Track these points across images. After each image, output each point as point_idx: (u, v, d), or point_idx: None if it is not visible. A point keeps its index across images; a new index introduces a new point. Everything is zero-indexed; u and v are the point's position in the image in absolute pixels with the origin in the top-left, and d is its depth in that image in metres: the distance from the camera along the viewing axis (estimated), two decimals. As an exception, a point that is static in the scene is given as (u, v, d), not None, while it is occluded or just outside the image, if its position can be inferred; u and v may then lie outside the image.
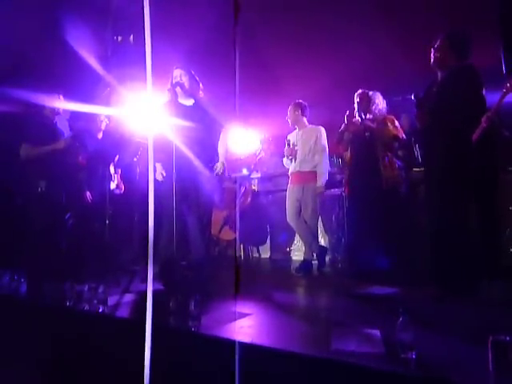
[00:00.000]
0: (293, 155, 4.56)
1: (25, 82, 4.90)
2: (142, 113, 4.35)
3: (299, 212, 4.52)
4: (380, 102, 4.09)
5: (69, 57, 5.63)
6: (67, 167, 4.18)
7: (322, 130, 4.56)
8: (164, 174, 3.43)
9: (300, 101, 4.68)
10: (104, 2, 6.00)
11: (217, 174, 3.63)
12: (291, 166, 4.65)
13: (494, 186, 2.90)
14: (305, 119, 4.66)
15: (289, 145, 4.60)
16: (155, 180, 3.47)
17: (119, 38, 6.28)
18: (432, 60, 3.11)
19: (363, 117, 4.01)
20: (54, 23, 5.40)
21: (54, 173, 4.05)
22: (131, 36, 6.23)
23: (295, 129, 4.71)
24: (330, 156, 5.18)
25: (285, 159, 4.72)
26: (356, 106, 4.13)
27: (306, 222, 4.45)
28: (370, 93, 4.11)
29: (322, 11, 5.17)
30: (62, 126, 4.28)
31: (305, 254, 4.56)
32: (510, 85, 3.17)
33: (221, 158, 3.68)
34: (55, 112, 4.19)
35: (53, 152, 3.97)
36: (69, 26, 5.69)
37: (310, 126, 4.65)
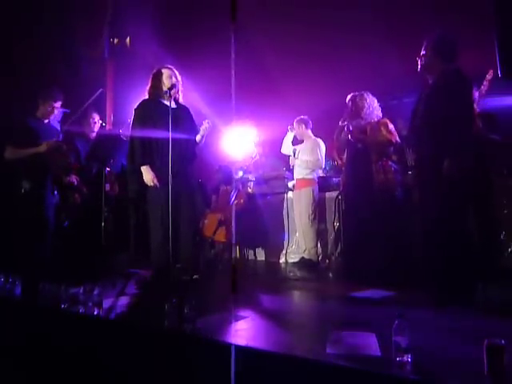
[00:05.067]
0: (295, 164, 5.12)
1: (16, 82, 4.88)
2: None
3: (300, 214, 4.99)
4: (371, 104, 4.03)
5: (64, 58, 5.62)
6: (56, 169, 4.12)
7: (321, 142, 5.07)
8: (155, 180, 3.42)
9: (303, 117, 5.16)
10: (101, 3, 6.00)
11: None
12: (295, 173, 5.16)
13: (487, 189, 2.92)
14: (309, 132, 5.16)
15: (294, 154, 5.11)
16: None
17: (116, 41, 6.28)
18: (419, 67, 3.13)
19: (351, 129, 3.97)
20: (48, 23, 5.40)
21: (43, 174, 3.99)
22: (128, 38, 6.23)
23: (303, 140, 5.19)
24: (327, 159, 5.25)
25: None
26: (347, 112, 4.10)
27: (307, 225, 4.90)
28: (358, 98, 4.05)
29: (317, 16, 5.20)
30: (53, 128, 4.19)
31: (305, 253, 4.90)
32: (489, 76, 3.22)
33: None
34: (46, 113, 4.12)
35: (36, 155, 3.90)
36: (65, 27, 5.68)
37: (314, 138, 5.12)
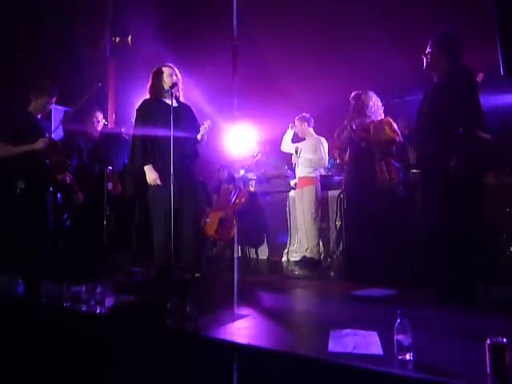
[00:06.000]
0: (297, 162, 5.09)
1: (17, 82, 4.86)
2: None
3: (303, 213, 5.00)
4: (375, 103, 4.02)
5: (66, 57, 5.63)
6: (52, 167, 3.93)
7: (324, 141, 5.06)
8: (158, 181, 3.43)
9: (304, 114, 5.14)
10: (103, 3, 6.01)
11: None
12: (297, 172, 5.15)
13: (479, 188, 2.91)
14: (311, 130, 5.15)
15: (296, 152, 5.06)
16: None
17: (117, 39, 6.29)
18: (424, 65, 3.11)
19: (354, 127, 3.97)
20: (49, 23, 5.40)
21: (38, 172, 3.83)
22: (129, 37, 6.24)
23: (304, 138, 5.18)
24: (329, 158, 5.25)
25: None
26: (351, 110, 4.10)
27: (309, 223, 4.91)
28: (363, 96, 4.04)
29: (319, 14, 5.20)
30: (46, 123, 4.02)
31: (307, 252, 4.91)
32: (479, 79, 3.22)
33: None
34: (39, 108, 3.90)
35: (30, 152, 3.68)
36: (66, 27, 5.69)
37: (316, 136, 5.12)
